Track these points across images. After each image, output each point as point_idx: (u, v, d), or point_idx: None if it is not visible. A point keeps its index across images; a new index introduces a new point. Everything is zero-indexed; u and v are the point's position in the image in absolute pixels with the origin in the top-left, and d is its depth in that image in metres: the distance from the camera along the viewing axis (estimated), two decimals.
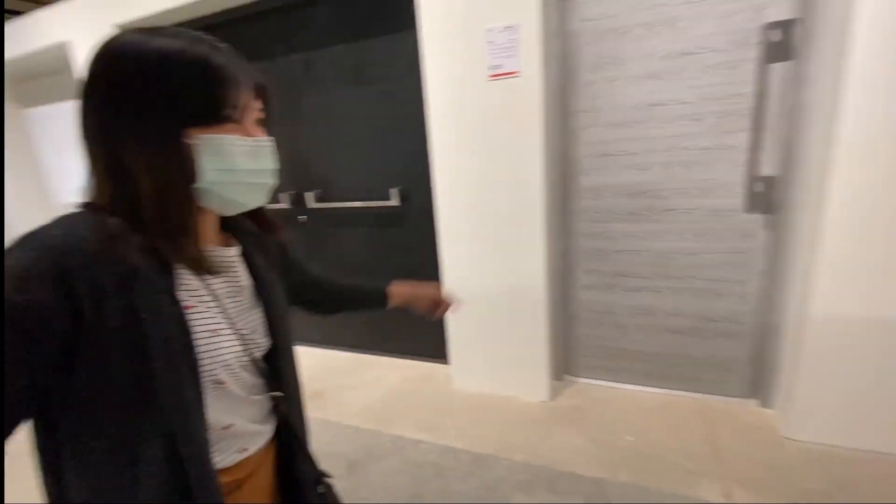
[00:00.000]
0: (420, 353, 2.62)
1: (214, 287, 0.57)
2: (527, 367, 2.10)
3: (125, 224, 0.48)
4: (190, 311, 0.52)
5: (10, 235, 0.46)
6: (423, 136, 2.14)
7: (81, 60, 2.72)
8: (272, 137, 0.60)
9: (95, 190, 0.51)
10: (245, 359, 0.59)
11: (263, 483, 0.66)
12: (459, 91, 1.93)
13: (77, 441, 0.48)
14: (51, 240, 0.44)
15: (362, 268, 2.62)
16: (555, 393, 2.13)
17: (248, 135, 0.55)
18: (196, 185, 0.51)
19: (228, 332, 0.56)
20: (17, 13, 2.93)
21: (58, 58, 2.94)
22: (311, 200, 2.54)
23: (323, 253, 2.70)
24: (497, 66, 1.85)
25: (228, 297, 0.59)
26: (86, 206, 0.51)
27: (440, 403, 2.18)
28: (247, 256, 0.65)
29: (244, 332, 0.60)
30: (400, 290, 0.98)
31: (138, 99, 0.47)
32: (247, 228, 0.67)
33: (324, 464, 0.75)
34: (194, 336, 0.51)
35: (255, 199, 0.59)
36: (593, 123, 1.93)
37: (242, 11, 2.43)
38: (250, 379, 0.61)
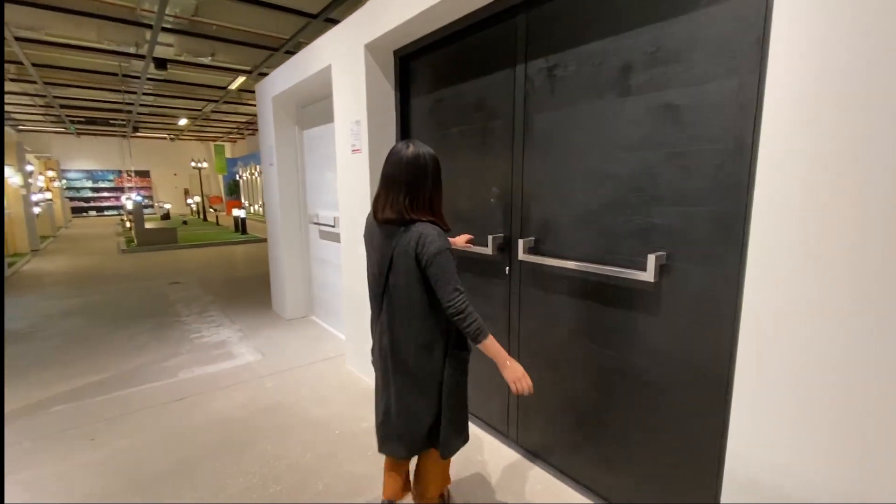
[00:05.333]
0: None
1: None
2: None
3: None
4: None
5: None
6: (732, 174, 1.23)
7: (339, 81, 2.80)
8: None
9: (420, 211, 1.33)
10: None
11: None
12: (847, 93, 0.95)
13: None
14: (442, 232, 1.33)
15: (573, 356, 1.80)
16: None
17: None
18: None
19: None
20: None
21: (325, 83, 3.17)
22: (521, 250, 1.89)
23: (526, 320, 2.00)
24: None
25: None
26: (422, 218, 1.32)
27: None
28: None
29: None
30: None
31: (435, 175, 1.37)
32: None
33: None
34: None
35: None
36: None
37: (471, 19, 2.01)
38: None
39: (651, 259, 1.44)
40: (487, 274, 2.18)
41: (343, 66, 2.72)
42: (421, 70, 2.49)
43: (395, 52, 2.57)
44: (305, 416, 2.45)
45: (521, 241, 1.89)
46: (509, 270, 2.04)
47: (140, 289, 5.60)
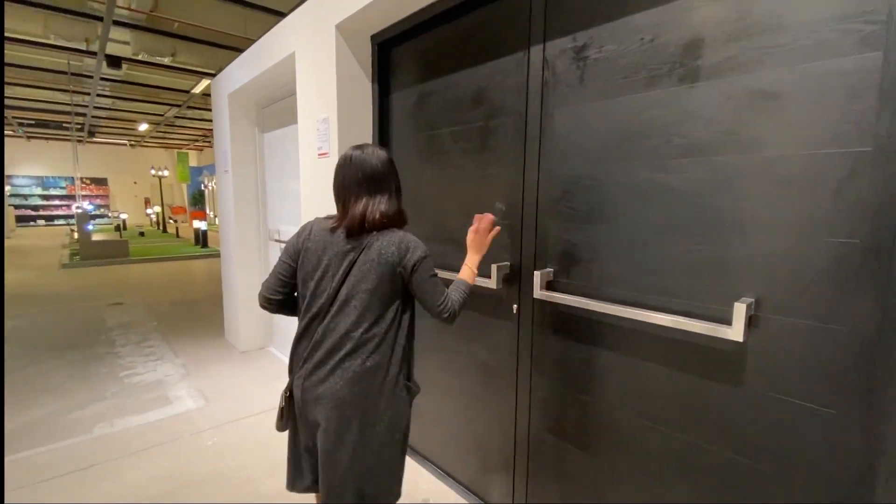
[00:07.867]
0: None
1: None
2: None
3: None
4: None
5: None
6: (872, 190, 0.81)
7: (304, 71, 2.32)
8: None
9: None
10: None
11: None
12: None
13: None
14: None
15: (620, 434, 1.35)
16: None
17: None
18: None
19: None
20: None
21: (289, 76, 2.69)
22: (538, 284, 1.44)
23: (542, 376, 1.54)
24: None
25: None
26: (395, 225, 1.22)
27: None
28: None
29: None
30: None
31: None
32: None
33: None
34: None
35: None
36: None
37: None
38: None
39: (739, 309, 1.00)
40: (487, 312, 1.72)
41: (309, 53, 2.25)
42: (404, 58, 2.04)
43: (373, 38, 2.12)
44: (252, 493, 1.90)
45: (537, 274, 1.44)
46: (518, 310, 1.59)
47: (73, 311, 4.87)
